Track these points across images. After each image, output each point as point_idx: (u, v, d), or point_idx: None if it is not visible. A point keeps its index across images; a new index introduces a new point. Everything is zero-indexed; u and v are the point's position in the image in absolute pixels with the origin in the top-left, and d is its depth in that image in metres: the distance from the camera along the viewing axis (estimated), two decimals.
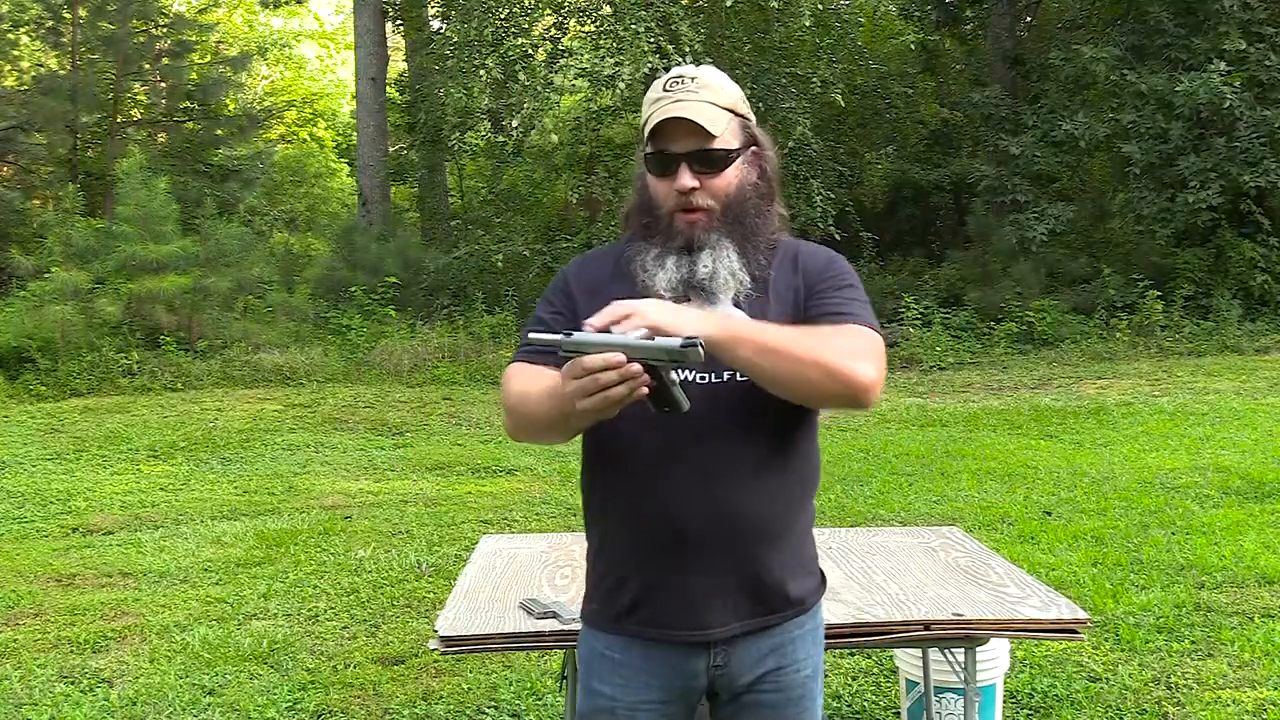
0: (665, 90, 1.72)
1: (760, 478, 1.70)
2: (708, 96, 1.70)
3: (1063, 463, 7.17)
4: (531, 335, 1.58)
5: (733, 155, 1.72)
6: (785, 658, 1.76)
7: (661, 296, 1.67)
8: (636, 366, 1.45)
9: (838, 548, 3.04)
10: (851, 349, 1.62)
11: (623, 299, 1.59)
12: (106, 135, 18.59)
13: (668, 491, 1.68)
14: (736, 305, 1.71)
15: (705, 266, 1.69)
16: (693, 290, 1.70)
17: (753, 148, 1.77)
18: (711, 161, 1.70)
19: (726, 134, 1.71)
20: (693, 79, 1.72)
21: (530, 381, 1.69)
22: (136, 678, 3.97)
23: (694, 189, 1.69)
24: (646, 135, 1.72)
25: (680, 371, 1.64)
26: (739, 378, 1.65)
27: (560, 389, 1.53)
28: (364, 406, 10.53)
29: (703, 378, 1.67)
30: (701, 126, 1.67)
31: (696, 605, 1.70)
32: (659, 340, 1.47)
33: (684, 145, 1.69)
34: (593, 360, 1.45)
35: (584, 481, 1.84)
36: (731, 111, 1.73)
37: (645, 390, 1.48)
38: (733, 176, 1.72)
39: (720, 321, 1.58)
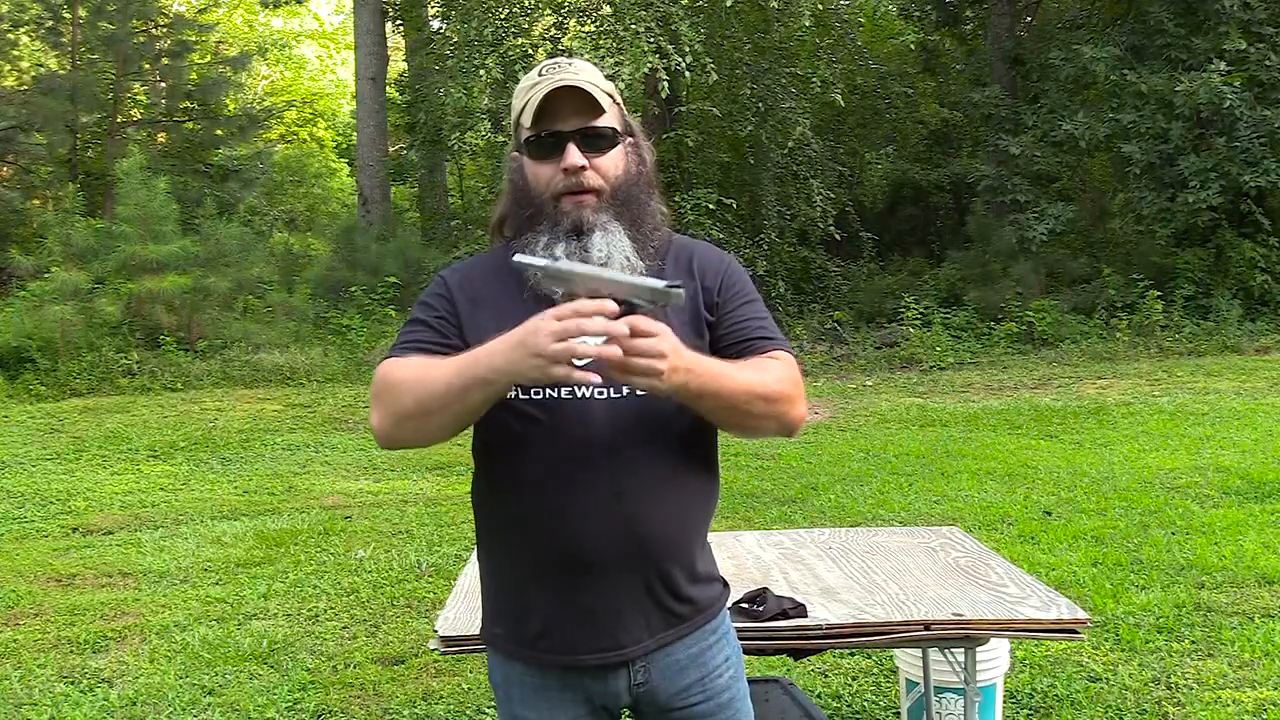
0: (541, 75, 1.66)
1: (664, 493, 1.65)
2: (588, 77, 1.66)
3: (1063, 463, 7.17)
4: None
5: (619, 136, 1.68)
6: (706, 666, 1.75)
7: (554, 291, 1.59)
8: (621, 328, 1.40)
9: (838, 548, 3.03)
10: (783, 385, 1.64)
11: (507, 305, 1.60)
12: (106, 135, 18.59)
13: (570, 511, 1.62)
14: None
15: (600, 250, 1.62)
16: None
17: (630, 138, 1.72)
18: (599, 139, 1.65)
19: (611, 114, 1.67)
20: (569, 63, 1.67)
21: (426, 365, 1.59)
22: (136, 678, 3.97)
23: (583, 168, 1.63)
24: (528, 120, 1.65)
25: (579, 389, 1.60)
26: (639, 392, 1.56)
27: (475, 363, 1.47)
28: (364, 406, 10.52)
29: (601, 393, 1.60)
30: (590, 96, 1.63)
31: (607, 627, 1.66)
32: (643, 280, 1.45)
33: (571, 123, 1.64)
34: (586, 304, 1.40)
35: (477, 499, 1.78)
36: (610, 97, 1.68)
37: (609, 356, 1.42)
38: (619, 158, 1.68)
39: (685, 371, 1.50)
